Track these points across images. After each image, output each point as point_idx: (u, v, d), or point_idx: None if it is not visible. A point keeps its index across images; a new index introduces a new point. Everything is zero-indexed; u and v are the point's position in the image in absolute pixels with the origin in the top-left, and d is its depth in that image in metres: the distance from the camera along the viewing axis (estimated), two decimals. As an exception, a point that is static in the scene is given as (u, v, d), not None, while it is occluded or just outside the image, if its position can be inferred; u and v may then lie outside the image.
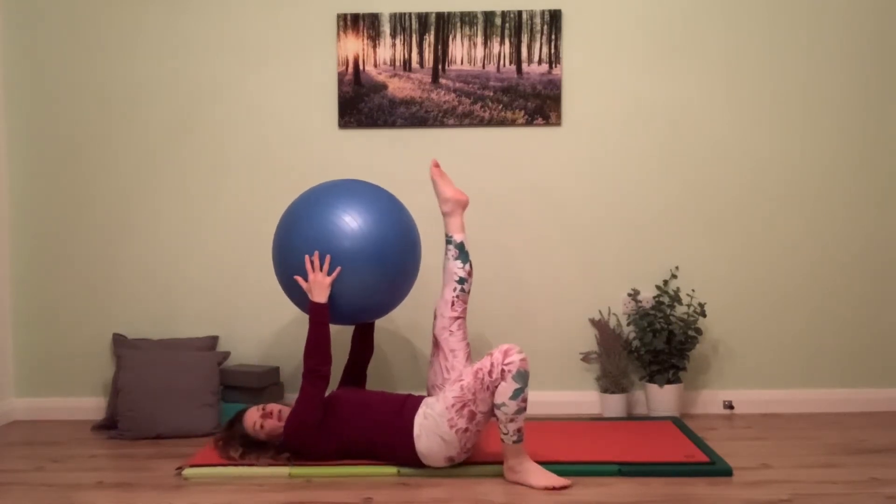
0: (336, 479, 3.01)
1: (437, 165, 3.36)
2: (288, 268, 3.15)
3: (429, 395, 3.23)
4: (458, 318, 3.23)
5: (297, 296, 3.16)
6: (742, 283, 3.96)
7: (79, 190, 3.99)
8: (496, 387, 2.85)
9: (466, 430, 2.91)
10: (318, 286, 3.04)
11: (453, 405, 2.91)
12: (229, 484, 3.00)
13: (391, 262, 3.13)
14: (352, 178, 3.47)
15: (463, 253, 3.26)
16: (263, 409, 3.12)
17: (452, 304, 3.23)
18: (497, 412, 2.85)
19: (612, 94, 3.94)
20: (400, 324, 3.97)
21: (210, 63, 3.96)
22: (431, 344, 3.32)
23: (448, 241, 3.28)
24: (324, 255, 3.05)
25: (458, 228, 3.28)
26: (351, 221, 3.09)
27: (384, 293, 3.18)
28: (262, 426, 3.07)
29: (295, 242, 3.12)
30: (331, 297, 3.06)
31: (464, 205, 3.31)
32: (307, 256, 3.06)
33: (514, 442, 2.88)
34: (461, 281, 3.24)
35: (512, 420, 2.84)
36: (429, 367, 3.30)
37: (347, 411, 3.08)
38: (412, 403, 3.07)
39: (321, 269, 3.04)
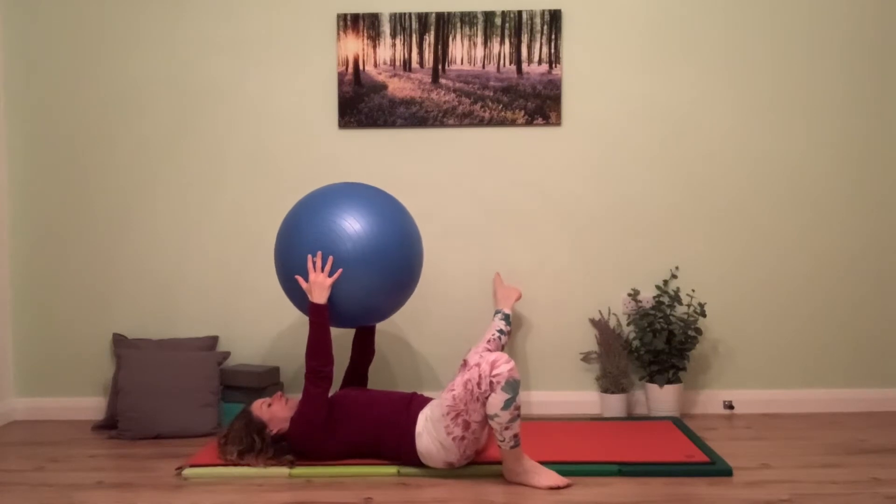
0: (336, 479, 3.01)
1: (499, 276, 3.91)
2: (289, 271, 3.14)
3: None
4: (489, 350, 3.48)
5: (299, 298, 3.16)
6: (742, 283, 3.96)
7: (79, 190, 3.99)
8: (486, 398, 2.82)
9: (463, 437, 2.90)
10: (319, 287, 3.03)
11: (447, 413, 2.90)
12: (229, 484, 2.99)
13: (393, 265, 3.12)
14: (354, 182, 3.46)
15: (508, 320, 3.72)
16: (271, 398, 3.18)
17: (489, 340, 3.59)
18: (491, 422, 2.84)
19: (612, 94, 3.94)
20: (401, 325, 3.97)
21: (210, 63, 3.96)
22: (459, 367, 3.34)
23: (497, 312, 3.76)
24: (325, 257, 3.04)
25: (508, 307, 3.77)
26: (354, 224, 3.08)
27: (385, 297, 3.17)
28: (269, 405, 3.12)
29: (296, 245, 3.11)
30: (331, 300, 3.05)
31: (518, 297, 3.84)
32: (309, 256, 3.06)
33: (512, 447, 2.87)
34: (501, 332, 3.66)
35: (507, 428, 2.83)
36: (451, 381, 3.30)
37: (353, 410, 3.08)
38: (418, 401, 3.08)
39: (322, 270, 3.04)
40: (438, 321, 3.94)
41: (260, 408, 3.12)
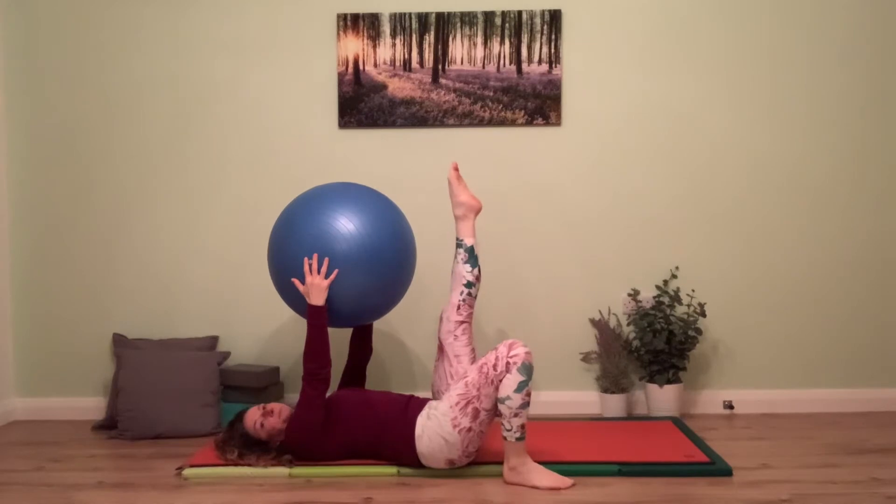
0: (336, 479, 3.01)
1: (456, 169, 3.34)
2: (284, 271, 3.13)
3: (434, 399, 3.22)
4: (463, 322, 3.23)
5: (294, 299, 3.15)
6: (742, 284, 3.96)
7: (79, 190, 3.99)
8: (500, 381, 2.85)
9: (470, 429, 2.90)
10: (316, 289, 3.03)
11: (457, 403, 2.90)
12: (229, 484, 2.99)
13: (387, 264, 3.12)
14: (347, 182, 3.46)
15: (472, 257, 3.25)
16: (264, 408, 3.12)
17: (458, 307, 3.23)
18: (501, 406, 2.85)
19: (612, 94, 3.94)
20: (395, 325, 3.97)
21: (210, 63, 3.96)
22: (437, 349, 3.31)
23: (458, 245, 3.28)
24: (321, 258, 3.05)
25: (468, 233, 3.27)
26: (347, 224, 3.08)
27: (380, 296, 3.17)
28: (262, 425, 3.07)
29: (291, 246, 3.10)
30: (328, 301, 3.05)
31: (476, 210, 3.30)
32: (305, 259, 3.06)
33: (517, 439, 2.88)
34: (469, 285, 3.23)
35: (516, 415, 2.84)
36: (433, 372, 3.29)
37: (351, 411, 3.08)
38: (416, 404, 3.08)
39: (318, 272, 3.04)
40: (434, 321, 3.92)
41: (254, 427, 3.08)
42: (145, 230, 3.99)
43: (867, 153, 3.94)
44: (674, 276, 3.94)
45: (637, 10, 3.92)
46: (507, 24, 3.91)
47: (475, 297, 3.26)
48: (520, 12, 3.90)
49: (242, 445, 3.07)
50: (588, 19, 3.92)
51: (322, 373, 3.03)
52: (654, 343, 3.75)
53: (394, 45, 3.92)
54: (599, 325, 3.91)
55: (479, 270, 3.27)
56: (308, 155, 3.96)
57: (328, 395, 3.11)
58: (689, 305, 3.90)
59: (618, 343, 3.87)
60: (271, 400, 3.69)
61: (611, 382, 3.84)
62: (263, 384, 3.72)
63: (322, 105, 3.96)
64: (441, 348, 3.25)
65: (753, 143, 3.94)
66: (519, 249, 3.96)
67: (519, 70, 3.92)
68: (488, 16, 3.91)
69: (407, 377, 3.99)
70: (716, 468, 3.03)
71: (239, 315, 3.99)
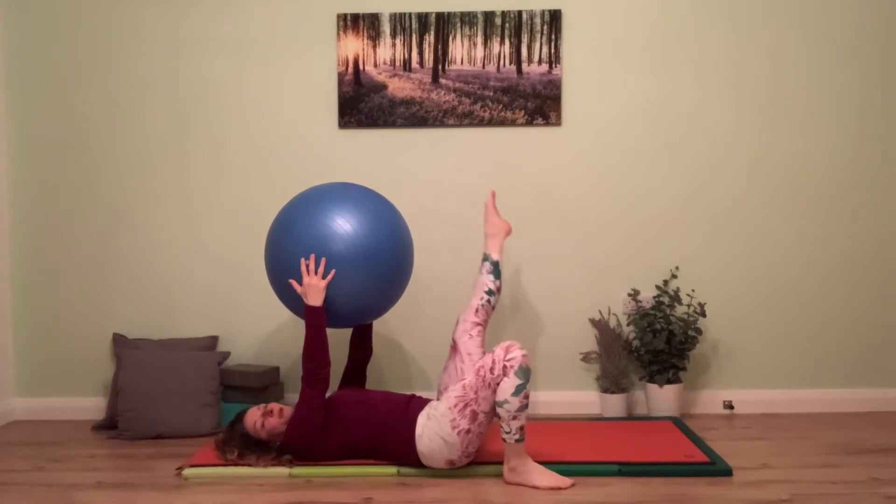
0: (336, 479, 3.01)
1: (493, 196, 3.54)
2: (281, 272, 3.13)
3: (439, 398, 3.22)
4: (479, 324, 3.33)
5: (291, 300, 3.15)
6: (742, 284, 3.96)
7: (79, 190, 3.99)
8: (498, 384, 2.84)
9: (469, 430, 2.90)
10: (314, 289, 3.03)
11: (456, 405, 2.91)
12: (229, 484, 2.99)
13: (384, 264, 3.12)
14: (344, 182, 3.46)
15: (496, 270, 3.41)
16: (264, 409, 3.12)
17: (477, 310, 3.36)
18: (499, 410, 2.85)
19: (612, 94, 3.94)
20: (393, 326, 3.97)
21: (210, 63, 3.96)
22: (449, 349, 3.35)
23: (485, 259, 3.44)
24: (318, 258, 3.04)
25: (496, 249, 3.44)
26: (344, 224, 3.08)
27: (378, 296, 3.17)
28: (262, 425, 3.07)
29: (288, 247, 3.10)
30: (325, 301, 3.05)
31: (507, 231, 3.49)
32: (302, 260, 3.06)
33: (517, 441, 2.88)
34: (490, 293, 3.38)
35: (514, 417, 2.84)
36: (442, 371, 3.31)
37: (351, 411, 3.08)
38: (416, 403, 3.08)
39: (316, 273, 3.04)
40: (432, 322, 3.93)
41: (254, 427, 3.08)
42: (145, 230, 3.99)
43: (867, 153, 3.94)
44: (674, 276, 3.94)
45: (637, 10, 3.92)
46: (507, 24, 3.91)
47: (493, 307, 3.40)
48: (520, 12, 3.90)
49: (242, 445, 3.08)
50: (588, 19, 3.92)
51: (321, 373, 3.03)
52: (654, 343, 3.75)
53: (394, 45, 3.92)
54: (599, 325, 3.91)
55: (501, 283, 3.43)
56: (308, 155, 3.96)
57: (328, 395, 3.11)
58: (689, 305, 3.89)
59: (618, 343, 3.87)
60: (271, 400, 3.69)
61: (611, 382, 3.84)
62: (263, 384, 3.72)
63: (322, 105, 3.96)
64: (454, 347, 3.30)
65: (753, 143, 3.94)
66: (519, 249, 3.96)
67: (519, 70, 3.92)
68: (488, 16, 3.91)
69: (404, 378, 3.98)
70: (716, 468, 3.03)
71: (239, 315, 3.99)
